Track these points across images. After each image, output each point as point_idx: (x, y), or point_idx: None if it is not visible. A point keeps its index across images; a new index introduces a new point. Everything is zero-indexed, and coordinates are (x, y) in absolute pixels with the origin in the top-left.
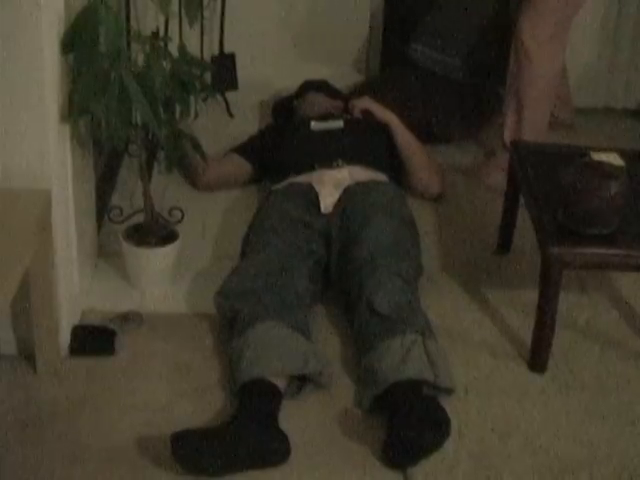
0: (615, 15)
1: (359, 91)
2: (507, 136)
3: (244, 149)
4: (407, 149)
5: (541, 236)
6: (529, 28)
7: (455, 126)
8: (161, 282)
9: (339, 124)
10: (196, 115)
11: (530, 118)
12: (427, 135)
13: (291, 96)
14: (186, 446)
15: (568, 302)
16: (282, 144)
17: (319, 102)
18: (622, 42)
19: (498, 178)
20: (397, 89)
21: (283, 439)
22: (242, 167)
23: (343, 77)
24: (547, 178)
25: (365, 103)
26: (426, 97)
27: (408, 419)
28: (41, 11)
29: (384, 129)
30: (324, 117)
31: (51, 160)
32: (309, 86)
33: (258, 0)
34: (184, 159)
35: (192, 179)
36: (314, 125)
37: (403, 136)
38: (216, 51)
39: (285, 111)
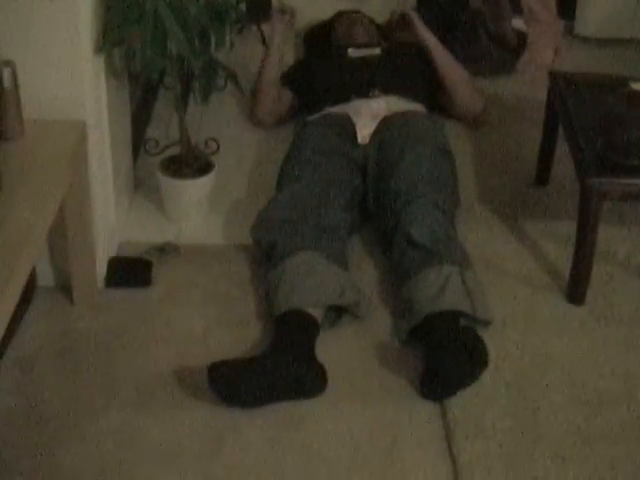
0: None
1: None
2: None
3: (288, 80)
4: (447, 68)
5: (580, 167)
6: None
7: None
8: (197, 213)
9: (376, 51)
10: (231, 45)
11: None
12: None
13: (323, 24)
14: (223, 376)
15: (607, 234)
16: (318, 73)
17: (357, 27)
18: None
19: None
20: (437, 23)
21: (320, 370)
22: (291, 99)
23: (378, 7)
24: (586, 108)
25: (410, 12)
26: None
27: (445, 350)
28: None
29: (422, 58)
30: (361, 45)
31: (86, 91)
32: (332, 22)
33: None
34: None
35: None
36: (352, 52)
37: (442, 55)
38: None
39: (318, 40)
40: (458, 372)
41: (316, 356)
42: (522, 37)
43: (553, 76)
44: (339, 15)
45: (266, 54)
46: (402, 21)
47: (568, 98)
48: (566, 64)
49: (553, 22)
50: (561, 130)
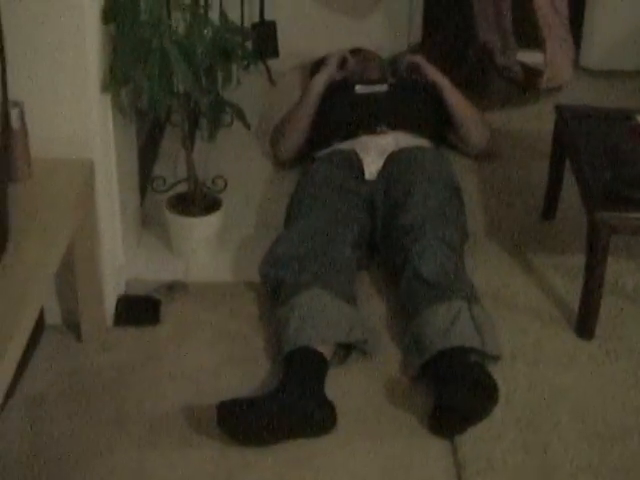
0: None
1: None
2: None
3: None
4: (458, 106)
5: (588, 200)
6: None
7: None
8: (205, 251)
9: (383, 88)
10: (238, 82)
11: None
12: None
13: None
14: (232, 415)
15: (615, 267)
16: (326, 109)
17: (370, 64)
18: None
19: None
20: (442, 57)
21: (330, 407)
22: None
23: (384, 46)
24: (593, 141)
25: (417, 59)
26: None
27: (455, 387)
28: None
29: (429, 93)
30: (368, 81)
31: (93, 129)
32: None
33: None
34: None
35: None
36: (359, 89)
37: (453, 94)
38: (257, 19)
39: None
40: (469, 408)
41: (326, 393)
42: (529, 70)
43: (559, 109)
44: (351, 52)
45: (308, 93)
46: (411, 68)
47: (575, 131)
48: (572, 96)
49: (568, 37)
50: (568, 163)
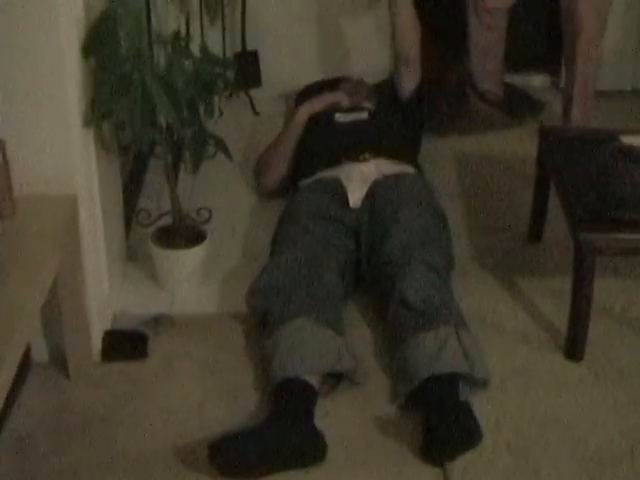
0: None
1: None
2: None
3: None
4: None
5: (572, 223)
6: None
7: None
8: (191, 283)
9: (364, 116)
10: (220, 114)
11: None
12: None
13: (317, 86)
14: (223, 451)
15: (602, 289)
16: (308, 138)
17: (360, 91)
18: None
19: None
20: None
21: (319, 438)
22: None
23: (366, 74)
24: (577, 163)
25: None
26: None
27: (445, 414)
28: (60, 15)
29: (408, 118)
30: (348, 110)
31: (76, 164)
32: (329, 84)
33: None
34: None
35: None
36: (338, 117)
37: None
38: (238, 49)
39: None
40: (459, 436)
41: (315, 424)
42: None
43: (542, 131)
44: (341, 79)
45: (292, 124)
46: None
47: (558, 153)
48: (555, 118)
49: None
50: (553, 185)
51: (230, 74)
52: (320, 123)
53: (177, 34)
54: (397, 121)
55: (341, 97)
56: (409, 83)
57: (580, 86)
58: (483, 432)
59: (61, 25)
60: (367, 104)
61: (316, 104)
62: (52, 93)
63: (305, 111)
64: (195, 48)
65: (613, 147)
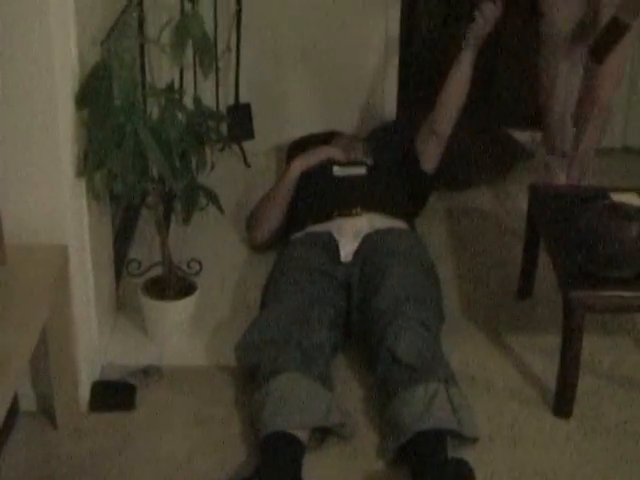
0: (631, 54)
1: (375, 137)
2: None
3: None
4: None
5: (562, 280)
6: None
7: (478, 172)
8: (180, 335)
9: (362, 170)
10: (212, 166)
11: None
12: (450, 181)
13: (310, 138)
14: None
15: (591, 346)
16: (302, 191)
17: (354, 145)
18: (638, 82)
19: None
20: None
21: None
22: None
23: (359, 122)
24: (567, 221)
25: None
26: (448, 143)
27: (432, 472)
28: (55, 66)
29: (404, 174)
30: (346, 164)
31: (67, 215)
32: (321, 137)
33: (272, 50)
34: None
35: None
36: (336, 170)
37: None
38: (232, 101)
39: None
40: None
41: (303, 478)
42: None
43: (533, 188)
44: (333, 134)
45: (285, 178)
46: None
47: (548, 210)
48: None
49: None
50: (542, 242)
51: (223, 127)
52: (317, 176)
53: (171, 86)
54: (393, 176)
55: (335, 152)
56: (437, 157)
57: (585, 148)
58: None
59: (55, 76)
60: (365, 159)
61: (310, 158)
62: (45, 144)
63: (298, 166)
64: (188, 100)
65: (603, 205)
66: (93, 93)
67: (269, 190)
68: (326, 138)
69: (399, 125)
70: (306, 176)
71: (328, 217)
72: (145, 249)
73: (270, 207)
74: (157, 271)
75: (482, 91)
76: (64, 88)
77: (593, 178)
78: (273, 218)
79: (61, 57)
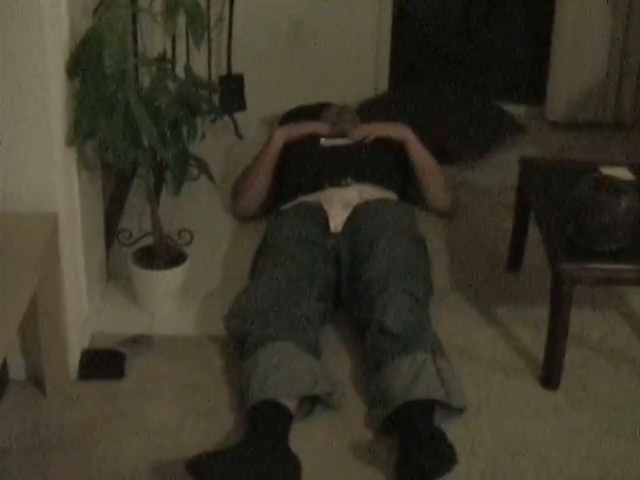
0: (623, 30)
1: (368, 109)
2: None
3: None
4: (421, 165)
5: (551, 252)
6: None
7: (469, 145)
8: (170, 304)
9: (348, 140)
10: (203, 136)
11: None
12: (440, 154)
13: (302, 110)
14: (199, 473)
15: (580, 318)
16: (292, 162)
17: (345, 116)
18: (630, 56)
19: None
20: (409, 107)
21: (294, 461)
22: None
23: (351, 95)
24: (557, 194)
25: (376, 131)
26: (440, 116)
27: (420, 440)
28: (46, 36)
29: (395, 145)
30: (332, 136)
31: (58, 184)
32: (313, 109)
33: (265, 21)
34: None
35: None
36: (324, 141)
37: (418, 152)
38: (224, 72)
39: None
40: (433, 461)
41: (290, 447)
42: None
43: (523, 162)
44: (324, 105)
45: (267, 148)
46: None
47: (539, 184)
48: (535, 149)
49: None
50: (533, 215)
51: (214, 97)
52: (304, 147)
53: (162, 56)
54: (382, 147)
55: (321, 127)
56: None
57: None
58: (458, 459)
59: (46, 45)
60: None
61: (293, 131)
62: (35, 113)
63: (280, 136)
64: (180, 71)
65: (593, 178)
66: (84, 62)
67: (252, 160)
68: (318, 110)
69: (391, 97)
70: (293, 147)
71: (318, 188)
72: (136, 219)
73: (253, 177)
74: (148, 241)
75: (473, 64)
76: (55, 57)
77: (583, 152)
78: (256, 188)
79: (52, 26)
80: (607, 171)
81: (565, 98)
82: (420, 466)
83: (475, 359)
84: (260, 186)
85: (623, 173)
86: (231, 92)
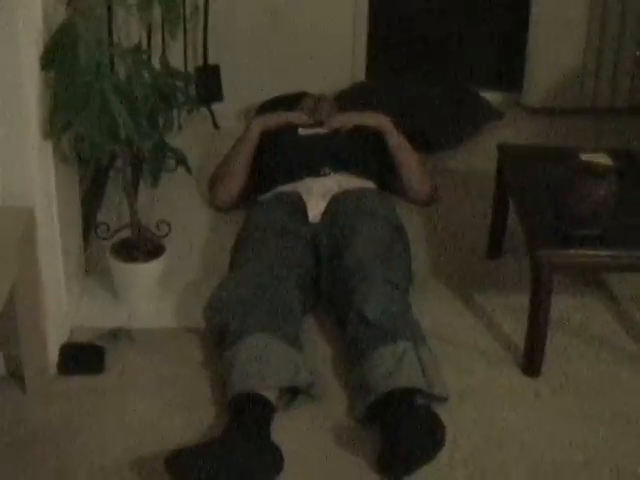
0: (600, 14)
1: (345, 98)
2: None
3: None
4: (399, 153)
5: (530, 239)
6: None
7: (447, 133)
8: (149, 297)
9: (326, 130)
10: (180, 127)
11: None
12: (419, 143)
13: (277, 100)
14: (180, 465)
15: (560, 304)
16: (269, 152)
17: (322, 106)
18: (607, 42)
19: None
20: (387, 96)
21: (276, 452)
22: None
23: (328, 84)
24: (536, 180)
25: (351, 119)
26: (418, 105)
27: (401, 429)
28: (19, 27)
29: (373, 135)
30: (309, 125)
31: (34, 178)
32: (290, 99)
33: (241, 11)
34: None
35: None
36: (302, 131)
37: (396, 140)
38: (200, 62)
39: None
40: (415, 450)
41: (272, 438)
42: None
43: (502, 148)
44: (302, 95)
45: (243, 138)
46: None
47: (517, 170)
48: (514, 135)
49: None
50: (511, 202)
51: (191, 88)
52: (282, 137)
53: (138, 46)
54: (360, 136)
55: (298, 117)
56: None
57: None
58: (444, 442)
59: (20, 37)
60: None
61: (270, 120)
62: (10, 105)
63: (257, 126)
64: (156, 62)
65: (572, 164)
66: (59, 53)
67: (229, 150)
68: (295, 99)
69: (368, 86)
70: (271, 137)
71: (296, 178)
72: (114, 212)
73: (230, 167)
74: (126, 234)
75: (451, 51)
76: (29, 49)
77: (562, 138)
78: (233, 178)
79: (26, 17)
80: (587, 157)
81: (542, 84)
82: (401, 455)
83: (456, 347)
84: (237, 177)
85: (602, 158)
86: (208, 83)
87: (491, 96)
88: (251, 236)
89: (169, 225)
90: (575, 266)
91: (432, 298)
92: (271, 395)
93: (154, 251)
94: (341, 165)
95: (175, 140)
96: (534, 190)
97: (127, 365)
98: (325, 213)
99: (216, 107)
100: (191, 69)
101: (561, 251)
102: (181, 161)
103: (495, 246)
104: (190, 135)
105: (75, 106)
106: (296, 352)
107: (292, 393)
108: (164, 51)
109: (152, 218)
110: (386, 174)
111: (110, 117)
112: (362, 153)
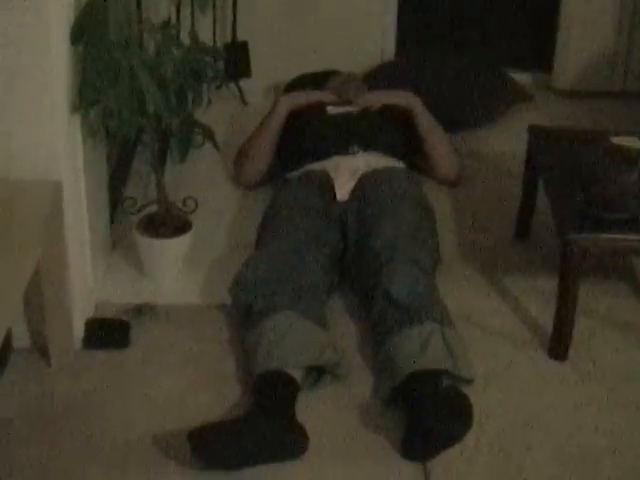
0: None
1: (375, 77)
2: None
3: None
4: (428, 133)
5: (560, 222)
6: None
7: (476, 113)
8: (175, 273)
9: (355, 108)
10: (209, 103)
11: None
12: (447, 122)
13: (307, 78)
14: (203, 442)
15: (589, 289)
16: (298, 130)
17: (345, 86)
18: (639, 24)
19: None
20: (416, 75)
21: (301, 431)
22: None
23: (357, 63)
24: (566, 163)
25: (380, 98)
26: (447, 84)
27: (427, 411)
28: (49, 1)
29: (402, 114)
30: (338, 103)
31: (61, 151)
32: (319, 76)
33: None
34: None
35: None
36: (330, 109)
37: (425, 120)
38: (229, 39)
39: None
40: (441, 433)
41: (297, 417)
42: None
43: (532, 130)
44: (331, 73)
45: (271, 115)
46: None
47: (548, 153)
48: (544, 117)
49: None
50: (541, 185)
51: (220, 63)
52: (310, 115)
53: (167, 22)
54: (388, 115)
55: (327, 96)
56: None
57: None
58: (471, 423)
59: (50, 10)
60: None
61: (298, 98)
62: (39, 79)
63: (284, 103)
64: (185, 37)
65: (603, 147)
66: (88, 28)
67: (256, 127)
68: (323, 78)
69: (398, 65)
70: (299, 115)
71: (325, 155)
72: (140, 187)
73: (257, 144)
74: (152, 209)
75: (481, 32)
76: (59, 23)
77: (593, 121)
78: (259, 155)
79: None
80: (618, 140)
81: (573, 66)
82: (427, 437)
83: (483, 329)
84: (263, 154)
85: (634, 142)
86: (236, 59)
87: (521, 77)
88: (278, 214)
89: (196, 201)
90: (605, 250)
91: (459, 279)
92: (296, 374)
93: (180, 227)
94: (370, 144)
95: (203, 116)
96: (565, 173)
97: (152, 341)
98: (353, 192)
99: (244, 83)
100: (220, 45)
101: (591, 235)
102: (209, 137)
103: (523, 228)
104: (218, 111)
105: (104, 81)
106: (321, 331)
107: (318, 372)
108: (193, 27)
109: (179, 194)
110: (414, 154)
111: (139, 92)
112: (391, 132)
